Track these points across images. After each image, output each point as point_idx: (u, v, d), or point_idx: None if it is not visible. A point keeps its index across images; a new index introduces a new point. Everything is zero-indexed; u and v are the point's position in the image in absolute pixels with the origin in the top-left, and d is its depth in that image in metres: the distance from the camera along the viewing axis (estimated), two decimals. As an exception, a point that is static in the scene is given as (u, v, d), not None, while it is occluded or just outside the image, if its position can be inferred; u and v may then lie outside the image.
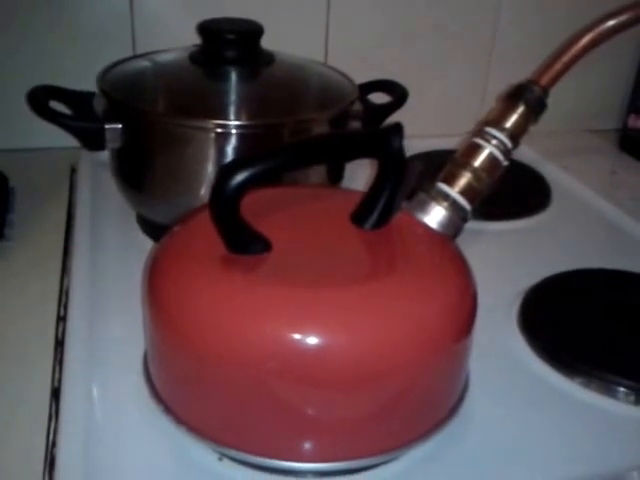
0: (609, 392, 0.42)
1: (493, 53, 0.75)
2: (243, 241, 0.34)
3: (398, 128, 0.36)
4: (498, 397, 0.41)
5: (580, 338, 0.45)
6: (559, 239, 0.59)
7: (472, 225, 0.58)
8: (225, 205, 0.32)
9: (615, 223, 0.62)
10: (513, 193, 0.64)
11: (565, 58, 0.40)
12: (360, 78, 0.57)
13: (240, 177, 0.31)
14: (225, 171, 0.32)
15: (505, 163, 0.41)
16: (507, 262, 0.54)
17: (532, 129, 0.63)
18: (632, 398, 0.41)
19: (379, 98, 0.58)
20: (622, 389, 0.42)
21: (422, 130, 0.67)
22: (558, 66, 0.40)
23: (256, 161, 0.32)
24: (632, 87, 0.78)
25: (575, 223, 0.62)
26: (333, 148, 0.35)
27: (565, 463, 0.37)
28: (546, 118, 0.78)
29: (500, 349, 0.45)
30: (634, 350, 0.45)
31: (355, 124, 0.53)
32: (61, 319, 0.45)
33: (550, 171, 0.69)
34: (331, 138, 0.36)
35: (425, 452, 0.36)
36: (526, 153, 0.72)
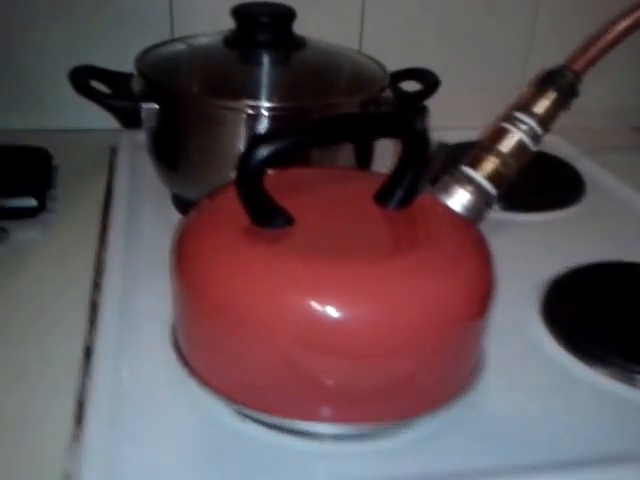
0: (629, 380, 0.42)
1: (532, 43, 0.74)
2: (266, 214, 0.35)
3: (423, 110, 0.37)
4: (515, 379, 0.42)
5: (602, 327, 0.45)
6: (589, 233, 0.58)
7: (502, 215, 0.59)
8: (249, 178, 0.34)
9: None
10: (546, 186, 0.64)
11: (601, 44, 0.40)
12: (395, 67, 0.57)
13: (264, 151, 0.32)
14: (250, 145, 0.33)
15: (534, 149, 0.41)
16: (535, 252, 0.54)
17: (574, 124, 0.62)
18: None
19: (413, 87, 0.58)
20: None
21: (458, 121, 0.67)
22: (593, 51, 0.40)
23: (281, 137, 0.33)
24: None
25: (607, 218, 0.61)
26: (357, 127, 0.36)
27: (579, 445, 0.38)
28: (588, 114, 0.77)
29: (520, 334, 0.45)
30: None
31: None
32: (97, 285, 0.47)
33: (586, 166, 0.68)
34: (355, 117, 0.37)
35: (438, 424, 0.37)
36: (564, 148, 0.72)
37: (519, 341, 0.45)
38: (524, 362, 0.43)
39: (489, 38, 0.73)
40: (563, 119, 0.68)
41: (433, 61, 0.60)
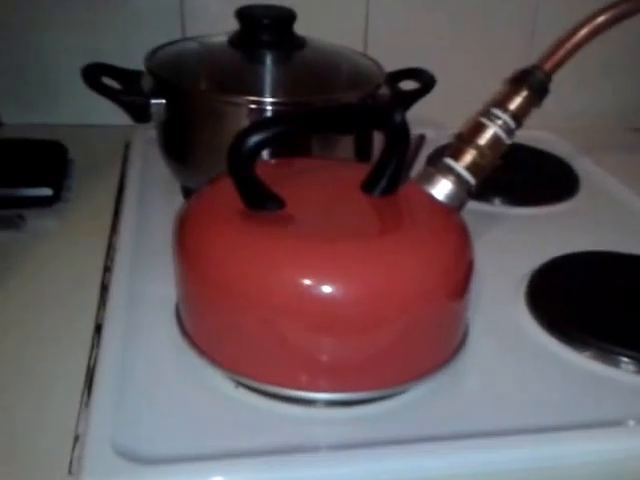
0: (610, 362, 0.44)
1: (532, 46, 0.75)
2: (258, 198, 0.38)
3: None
4: (496, 357, 0.44)
5: (582, 311, 0.47)
6: (581, 226, 0.60)
7: (499, 209, 0.61)
8: (241, 163, 0.37)
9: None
10: (541, 182, 0.67)
11: (567, 46, 0.43)
12: (401, 67, 0.60)
13: (255, 138, 0.35)
14: (242, 133, 0.36)
15: (508, 142, 0.44)
16: (528, 244, 0.56)
17: (575, 124, 0.63)
18: (631, 367, 0.43)
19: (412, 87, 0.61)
20: (623, 359, 0.44)
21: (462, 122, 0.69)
22: (561, 53, 0.43)
23: (268, 126, 0.36)
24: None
25: (599, 212, 0.63)
26: (340, 118, 0.39)
27: (557, 414, 0.40)
28: (588, 115, 0.78)
29: (505, 317, 0.48)
30: (635, 324, 0.47)
31: (382, 109, 0.56)
32: (107, 269, 0.50)
33: (581, 164, 0.70)
34: (339, 110, 0.40)
35: (426, 391, 0.40)
36: (561, 146, 0.74)
37: (503, 322, 0.47)
38: (506, 341, 0.46)
39: (491, 39, 0.75)
40: (561, 120, 0.70)
41: (437, 61, 0.62)
